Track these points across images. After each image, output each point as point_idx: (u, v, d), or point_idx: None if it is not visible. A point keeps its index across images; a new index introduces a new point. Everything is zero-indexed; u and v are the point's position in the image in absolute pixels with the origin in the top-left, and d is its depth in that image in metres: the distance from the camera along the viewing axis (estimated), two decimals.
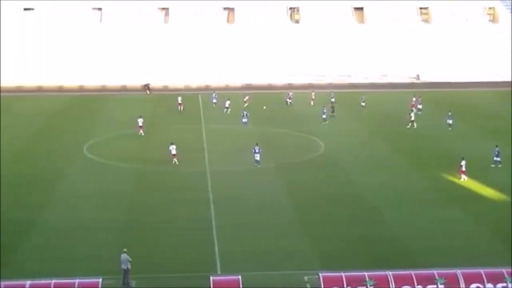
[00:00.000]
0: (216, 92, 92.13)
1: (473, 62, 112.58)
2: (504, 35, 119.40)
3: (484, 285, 33.86)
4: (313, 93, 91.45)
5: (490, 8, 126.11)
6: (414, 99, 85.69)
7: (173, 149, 60.22)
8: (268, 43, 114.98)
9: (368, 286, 34.01)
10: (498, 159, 60.11)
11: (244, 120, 77.24)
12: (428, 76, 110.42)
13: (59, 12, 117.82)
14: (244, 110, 79.85)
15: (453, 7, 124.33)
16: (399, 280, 34.35)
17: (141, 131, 71.44)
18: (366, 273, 34.73)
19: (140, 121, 71.80)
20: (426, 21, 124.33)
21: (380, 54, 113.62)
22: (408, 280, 34.39)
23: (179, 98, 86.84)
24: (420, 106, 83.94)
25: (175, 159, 60.14)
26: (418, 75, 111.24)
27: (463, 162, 55.80)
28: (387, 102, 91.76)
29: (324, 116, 77.90)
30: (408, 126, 75.81)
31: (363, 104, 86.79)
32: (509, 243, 42.71)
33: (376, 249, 42.50)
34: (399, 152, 66.08)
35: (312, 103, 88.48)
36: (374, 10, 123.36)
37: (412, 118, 76.86)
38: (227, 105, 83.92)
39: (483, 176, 57.05)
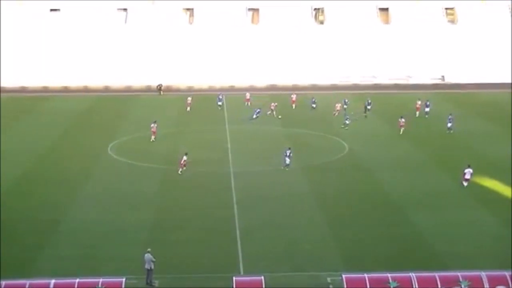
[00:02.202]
0: (222, 93, 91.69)
1: (497, 63, 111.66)
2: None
3: (509, 287, 33.62)
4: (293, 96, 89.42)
5: None
6: (419, 102, 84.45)
7: (184, 160, 58.03)
8: (292, 44, 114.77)
9: (391, 287, 33.91)
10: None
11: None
12: (453, 77, 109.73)
13: (84, 13, 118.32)
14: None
15: (479, 7, 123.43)
16: (422, 282, 34.25)
17: (153, 136, 69.76)
18: (389, 275, 34.65)
19: (154, 126, 70.03)
20: (452, 21, 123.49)
21: (405, 55, 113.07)
22: (431, 282, 34.28)
23: (189, 98, 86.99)
24: (427, 109, 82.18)
25: (182, 168, 57.99)
26: (443, 76, 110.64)
27: (467, 170, 54.61)
28: (412, 102, 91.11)
29: (346, 121, 76.91)
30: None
31: (369, 107, 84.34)
32: None
33: (402, 251, 42.39)
34: (425, 153, 65.73)
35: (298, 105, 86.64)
36: (399, 11, 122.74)
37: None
38: (272, 107, 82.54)
39: (509, 178, 56.54)
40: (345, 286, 34.17)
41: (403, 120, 72.95)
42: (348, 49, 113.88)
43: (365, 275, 34.68)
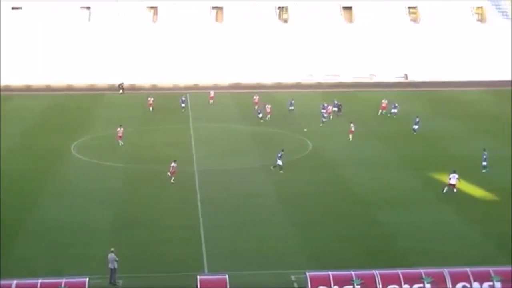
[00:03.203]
0: (186, 94, 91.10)
1: (460, 61, 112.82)
2: (492, 35, 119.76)
3: (470, 284, 33.93)
4: (256, 97, 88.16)
5: (478, 7, 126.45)
6: (385, 101, 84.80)
7: (173, 167, 55.67)
8: (256, 42, 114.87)
9: (355, 285, 34.00)
10: (485, 163, 59.07)
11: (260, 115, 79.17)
12: (416, 75, 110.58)
13: (47, 11, 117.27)
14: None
15: (442, 6, 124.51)
16: (386, 279, 34.37)
17: (120, 141, 67.58)
18: (353, 272, 34.73)
19: (120, 131, 67.91)
20: (414, 20, 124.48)
21: (368, 53, 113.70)
22: (395, 279, 34.41)
23: (150, 99, 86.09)
24: (395, 110, 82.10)
25: (172, 176, 55.61)
26: (406, 75, 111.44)
27: (452, 175, 53.26)
28: (374, 101, 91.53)
29: (324, 119, 77.32)
30: None
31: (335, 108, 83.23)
32: (500, 243, 43.06)
33: (366, 249, 42.55)
34: (390, 152, 66.08)
35: (256, 107, 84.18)
36: (362, 10, 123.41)
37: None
38: (268, 110, 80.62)
39: (476, 176, 57.09)
40: (309, 284, 34.20)
41: (353, 126, 71.34)
42: (311, 48, 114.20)
43: (329, 273, 34.74)
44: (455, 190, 53.02)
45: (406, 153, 65.75)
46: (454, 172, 53.28)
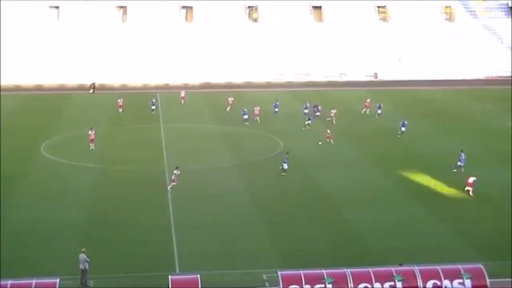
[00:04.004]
0: (155, 96, 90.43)
1: (429, 60, 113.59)
2: (460, 34, 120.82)
3: (441, 281, 34.08)
4: (231, 98, 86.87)
5: (446, 7, 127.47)
6: (368, 100, 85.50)
7: (175, 174, 53.28)
8: (226, 42, 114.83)
9: (327, 284, 34.05)
10: (461, 163, 59.19)
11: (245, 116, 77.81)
12: (386, 74, 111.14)
13: (15, 11, 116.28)
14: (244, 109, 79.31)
15: (411, 6, 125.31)
16: (357, 278, 34.41)
17: (92, 144, 66.07)
18: (324, 271, 34.76)
19: (92, 133, 66.34)
20: (384, 20, 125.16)
21: (338, 52, 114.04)
22: (366, 277, 34.47)
23: (120, 100, 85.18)
24: (379, 111, 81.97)
25: (173, 183, 53.22)
26: (376, 74, 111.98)
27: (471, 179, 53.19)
28: (345, 100, 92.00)
29: (308, 121, 76.24)
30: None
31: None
32: (468, 241, 43.48)
33: (337, 248, 42.70)
34: (359, 151, 66.32)
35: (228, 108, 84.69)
36: (332, 9, 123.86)
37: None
38: (257, 112, 79.36)
39: (444, 175, 57.54)
40: (281, 283, 34.21)
41: (328, 131, 70.66)
42: (282, 47, 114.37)
43: (301, 271, 34.72)
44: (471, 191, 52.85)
45: (377, 152, 66.02)
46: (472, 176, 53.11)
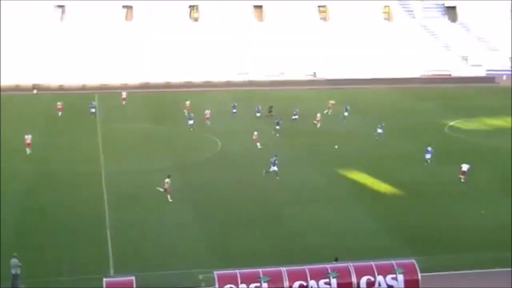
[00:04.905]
0: (95, 98, 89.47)
1: (369, 59, 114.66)
2: (399, 32, 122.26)
3: (374, 277, 34.37)
4: (188, 101, 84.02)
5: (385, 6, 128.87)
6: (331, 101, 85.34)
7: (167, 183, 51.21)
8: (166, 41, 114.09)
9: (262, 282, 34.04)
10: (429, 156, 61.07)
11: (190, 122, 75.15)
12: (325, 73, 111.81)
13: None
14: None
15: (350, 5, 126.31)
16: (293, 276, 34.45)
17: (28, 149, 64.43)
18: (260, 270, 34.76)
19: (28, 138, 64.92)
20: (324, 19, 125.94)
21: (278, 51, 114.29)
22: (302, 275, 34.52)
23: (59, 103, 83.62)
24: (346, 114, 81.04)
25: (167, 194, 51.17)
26: (315, 73, 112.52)
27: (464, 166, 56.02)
28: (287, 99, 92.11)
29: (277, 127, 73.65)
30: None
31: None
32: (402, 237, 44.08)
33: (275, 246, 42.79)
34: (298, 150, 66.44)
35: (186, 111, 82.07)
36: (273, 8, 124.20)
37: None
38: (207, 116, 78.02)
39: (380, 172, 58.14)
40: (216, 283, 34.09)
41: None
42: (222, 46, 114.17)
43: (237, 271, 34.63)
44: (463, 178, 55.75)
45: (316, 150, 66.32)
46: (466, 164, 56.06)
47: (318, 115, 78.00)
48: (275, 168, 56.95)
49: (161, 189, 51.42)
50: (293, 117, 78.48)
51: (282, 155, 62.29)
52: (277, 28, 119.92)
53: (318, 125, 76.46)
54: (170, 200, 50.68)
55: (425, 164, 61.10)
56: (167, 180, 51.00)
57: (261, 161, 61.19)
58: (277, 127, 72.70)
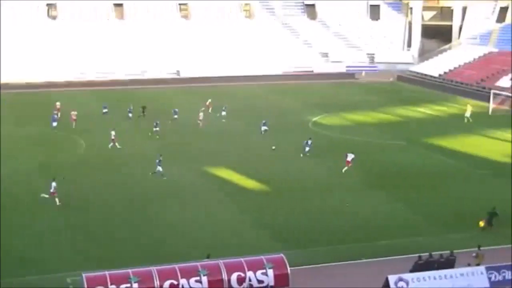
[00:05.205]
0: None
1: (231, 57, 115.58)
2: (258, 30, 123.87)
3: (245, 273, 34.76)
4: (58, 103, 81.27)
5: (246, 4, 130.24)
6: (209, 100, 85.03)
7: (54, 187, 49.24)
8: (26, 40, 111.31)
9: (133, 283, 33.79)
10: (308, 149, 62.93)
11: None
12: (188, 71, 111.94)
13: None
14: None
15: (210, 4, 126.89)
16: (163, 275, 34.37)
17: None
18: (130, 270, 34.49)
19: None
20: (185, 17, 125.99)
21: (140, 50, 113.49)
22: (172, 274, 34.49)
23: None
24: (224, 113, 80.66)
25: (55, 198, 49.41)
26: (178, 71, 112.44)
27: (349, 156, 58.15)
28: (146, 98, 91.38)
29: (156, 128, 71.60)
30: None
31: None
32: (270, 232, 44.57)
33: (144, 247, 42.35)
34: (171, 148, 65.94)
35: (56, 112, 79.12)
36: (133, 7, 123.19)
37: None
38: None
39: (245, 169, 58.66)
40: (85, 285, 33.57)
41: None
42: (81, 45, 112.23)
43: (106, 272, 34.23)
44: (346, 168, 57.69)
45: (181, 148, 66.17)
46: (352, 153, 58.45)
47: (201, 114, 77.51)
48: (160, 168, 56.39)
49: (46, 196, 49.66)
50: (174, 116, 77.81)
51: (151, 155, 62.13)
52: (138, 26, 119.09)
53: (201, 124, 76.06)
54: (58, 204, 48.93)
55: (301, 155, 62.71)
56: (53, 183, 49.34)
57: (120, 161, 60.95)
58: (156, 128, 70.85)
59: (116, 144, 65.68)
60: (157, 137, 69.91)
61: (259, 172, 57.75)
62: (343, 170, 57.83)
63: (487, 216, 45.70)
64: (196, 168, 59.34)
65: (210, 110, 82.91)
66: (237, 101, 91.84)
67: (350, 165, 57.98)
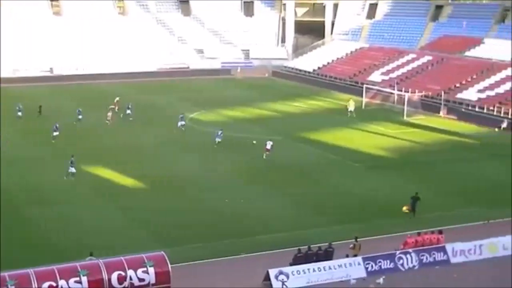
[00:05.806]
0: None
1: (105, 54, 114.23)
2: (133, 27, 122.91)
3: (125, 271, 34.43)
4: None
5: (120, 1, 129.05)
6: (117, 98, 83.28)
7: None
8: None
9: (9, 286, 32.91)
10: (219, 140, 65.23)
11: None
12: (62, 69, 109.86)
13: None
14: None
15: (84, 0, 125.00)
16: (41, 277, 33.59)
17: None
18: (6, 274, 33.54)
19: None
20: (57, 13, 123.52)
21: (11, 48, 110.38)
22: (51, 276, 33.76)
23: None
24: (129, 112, 78.72)
25: None
26: (51, 68, 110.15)
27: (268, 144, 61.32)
28: (29, 96, 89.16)
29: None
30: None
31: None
32: (150, 230, 44.53)
33: (25, 247, 41.43)
34: (41, 149, 64.53)
35: None
36: (6, 4, 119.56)
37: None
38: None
39: (123, 167, 58.14)
40: None
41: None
42: None
43: None
44: (266, 154, 61.02)
45: (64, 147, 64.55)
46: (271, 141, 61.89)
47: (109, 114, 76.25)
48: (73, 169, 54.90)
49: None
50: (79, 116, 75.86)
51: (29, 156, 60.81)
52: (6, 24, 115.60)
53: (109, 123, 74.86)
54: None
55: (215, 146, 64.75)
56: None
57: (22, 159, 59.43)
58: (55, 133, 67.59)
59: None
60: (53, 141, 67.10)
61: (137, 169, 57.50)
62: (264, 157, 60.59)
63: (410, 201, 46.98)
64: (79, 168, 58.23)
65: (116, 109, 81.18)
66: (92, 98, 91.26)
67: (268, 152, 60.72)
